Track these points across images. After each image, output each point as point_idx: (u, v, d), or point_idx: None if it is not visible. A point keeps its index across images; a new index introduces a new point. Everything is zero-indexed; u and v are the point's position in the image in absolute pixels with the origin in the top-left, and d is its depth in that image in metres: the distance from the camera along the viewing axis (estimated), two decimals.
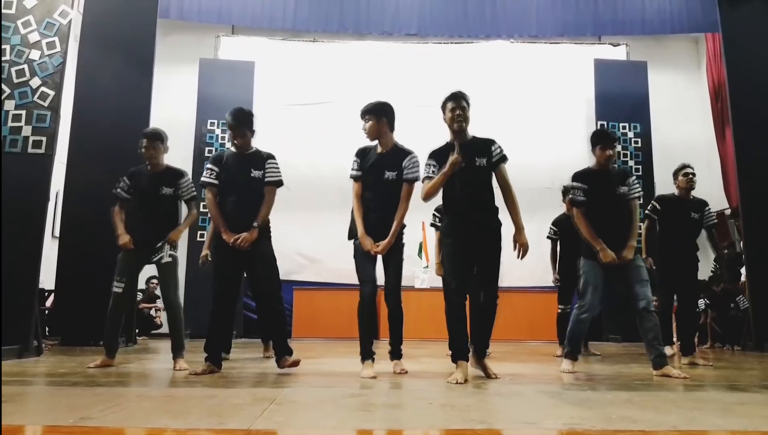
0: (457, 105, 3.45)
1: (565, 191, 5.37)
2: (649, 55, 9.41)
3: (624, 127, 9.09)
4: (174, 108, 8.91)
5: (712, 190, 9.27)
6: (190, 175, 4.25)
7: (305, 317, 8.32)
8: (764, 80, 7.02)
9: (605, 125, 9.11)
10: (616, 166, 4.19)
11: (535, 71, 9.54)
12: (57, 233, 6.76)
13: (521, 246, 3.42)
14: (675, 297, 4.91)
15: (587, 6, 8.20)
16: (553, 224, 6.26)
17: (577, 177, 3.93)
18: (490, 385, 3.08)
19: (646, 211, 5.19)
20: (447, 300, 3.34)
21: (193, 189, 4.04)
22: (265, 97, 9.27)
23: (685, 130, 9.62)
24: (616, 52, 9.53)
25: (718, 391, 2.95)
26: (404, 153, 3.66)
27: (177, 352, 3.73)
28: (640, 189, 3.96)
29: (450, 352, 3.33)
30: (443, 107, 3.53)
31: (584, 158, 9.21)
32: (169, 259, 3.83)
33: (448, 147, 3.47)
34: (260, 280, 3.57)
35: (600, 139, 3.90)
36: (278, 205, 9.29)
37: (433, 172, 3.45)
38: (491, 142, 3.51)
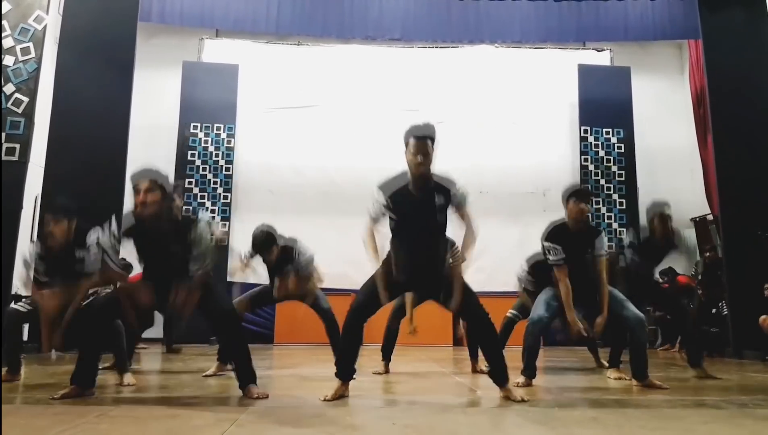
0: (420, 147, 3.06)
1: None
2: (633, 60, 9.46)
3: (607, 133, 9.14)
4: (157, 111, 8.86)
5: (694, 196, 9.35)
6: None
7: (287, 323, 8.28)
8: (744, 86, 7.10)
9: (589, 130, 9.17)
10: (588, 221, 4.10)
11: (520, 76, 9.55)
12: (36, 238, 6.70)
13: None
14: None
15: (570, 12, 8.22)
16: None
17: (550, 237, 3.79)
18: (457, 403, 3.07)
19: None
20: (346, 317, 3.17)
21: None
22: (249, 100, 9.23)
23: (668, 135, 9.67)
24: (600, 58, 9.57)
25: (686, 408, 2.96)
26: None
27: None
28: (605, 247, 3.90)
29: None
30: (406, 142, 3.14)
31: (567, 163, 9.33)
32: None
33: (405, 189, 3.14)
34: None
35: (574, 193, 3.81)
36: (261, 208, 9.36)
37: (383, 213, 3.17)
38: (452, 184, 3.20)
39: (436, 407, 2.85)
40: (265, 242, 4.45)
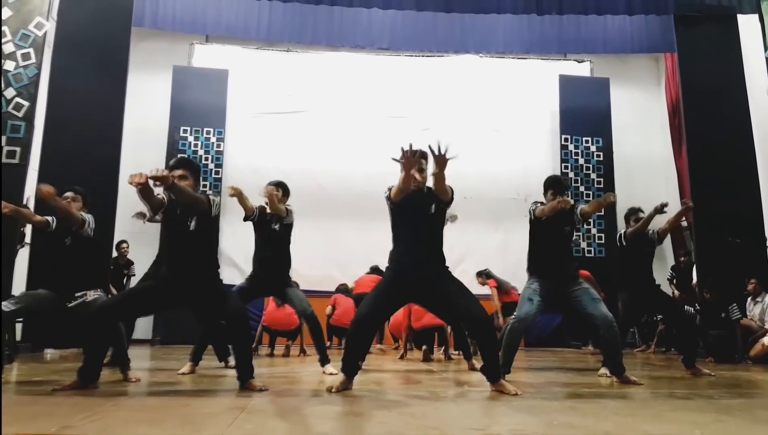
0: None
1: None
2: (612, 71, 9.79)
3: (587, 141, 9.45)
4: (147, 115, 8.94)
5: (670, 203, 9.65)
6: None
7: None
8: (716, 98, 7.44)
9: (569, 139, 9.47)
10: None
11: (502, 85, 9.84)
12: (28, 240, 6.77)
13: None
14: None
15: (552, 25, 8.53)
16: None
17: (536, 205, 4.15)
18: (448, 395, 3.29)
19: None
20: (350, 327, 3.39)
21: None
22: (239, 104, 9.38)
23: (644, 144, 10.03)
24: (580, 69, 9.88)
25: (657, 399, 3.21)
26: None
27: None
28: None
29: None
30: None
31: (548, 169, 9.58)
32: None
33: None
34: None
35: (551, 186, 4.15)
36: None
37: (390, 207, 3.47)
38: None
39: (428, 399, 3.06)
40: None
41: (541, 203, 4.13)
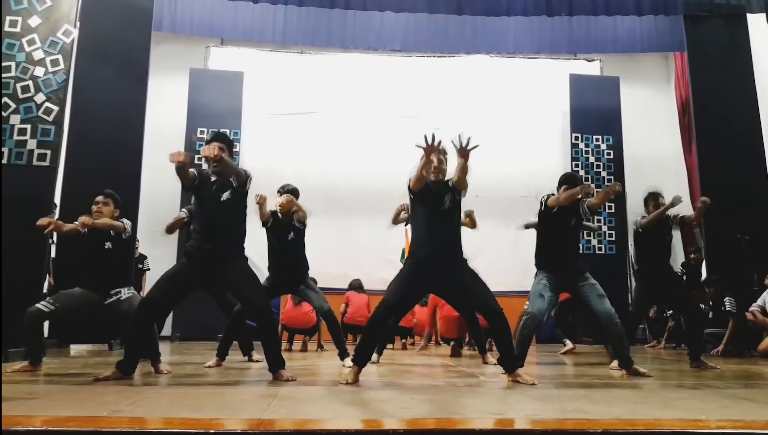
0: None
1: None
2: (622, 70, 9.88)
3: (597, 139, 9.55)
4: (165, 117, 9.14)
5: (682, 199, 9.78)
6: None
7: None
8: (725, 96, 7.52)
9: (579, 137, 9.57)
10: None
11: (513, 84, 9.98)
12: (54, 239, 6.99)
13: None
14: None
15: (562, 26, 8.64)
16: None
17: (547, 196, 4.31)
18: (465, 385, 3.45)
19: None
20: (375, 312, 3.55)
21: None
22: (254, 106, 9.56)
23: (654, 142, 10.11)
24: (590, 68, 9.99)
25: (666, 389, 3.35)
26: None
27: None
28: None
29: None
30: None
31: (559, 168, 9.70)
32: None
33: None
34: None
35: (566, 182, 4.30)
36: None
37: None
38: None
39: (446, 388, 3.23)
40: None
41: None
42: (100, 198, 4.05)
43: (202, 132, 9.21)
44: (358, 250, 9.29)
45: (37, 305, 3.85)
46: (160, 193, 8.51)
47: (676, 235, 9.98)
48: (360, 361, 3.44)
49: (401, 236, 8.99)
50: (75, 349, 6.42)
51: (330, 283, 8.74)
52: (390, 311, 3.52)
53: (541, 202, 4.30)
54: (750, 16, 7.71)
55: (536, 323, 4.11)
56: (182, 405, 2.49)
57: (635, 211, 9.57)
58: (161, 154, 8.94)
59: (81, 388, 3.03)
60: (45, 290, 5.38)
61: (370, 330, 3.56)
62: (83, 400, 2.60)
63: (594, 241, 9.27)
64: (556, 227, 4.23)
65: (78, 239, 4.01)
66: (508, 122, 9.90)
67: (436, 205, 3.59)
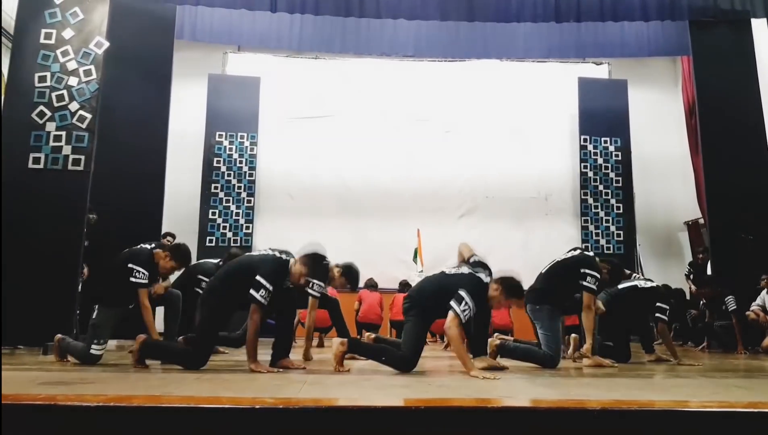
0: None
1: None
2: (630, 73, 10.08)
3: (605, 142, 9.74)
4: (184, 121, 9.44)
5: (687, 201, 9.99)
6: None
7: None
8: (730, 99, 7.69)
9: (588, 139, 9.77)
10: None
11: (523, 88, 10.22)
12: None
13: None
14: None
15: (570, 31, 8.86)
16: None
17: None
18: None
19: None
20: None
21: None
22: (270, 110, 9.87)
23: (662, 144, 10.30)
24: (598, 71, 10.20)
25: (665, 379, 3.59)
26: None
27: None
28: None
29: None
30: None
31: (568, 169, 9.97)
32: None
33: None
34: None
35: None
36: (281, 211, 10.04)
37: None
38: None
39: (459, 376, 3.48)
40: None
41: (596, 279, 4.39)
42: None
43: (220, 136, 9.51)
44: (371, 250, 9.54)
45: (92, 352, 3.93)
46: (180, 195, 8.84)
47: (684, 237, 10.25)
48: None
49: (413, 236, 9.29)
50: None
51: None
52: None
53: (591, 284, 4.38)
54: (754, 21, 7.89)
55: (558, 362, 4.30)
56: (223, 388, 2.76)
57: (643, 211, 9.83)
58: (181, 158, 9.35)
59: (126, 375, 3.32)
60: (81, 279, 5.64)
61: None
62: (133, 384, 2.88)
63: (602, 241, 9.47)
64: None
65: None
66: (518, 125, 10.13)
67: None
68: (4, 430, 1.93)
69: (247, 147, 9.59)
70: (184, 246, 4.25)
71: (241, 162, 9.54)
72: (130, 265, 4.03)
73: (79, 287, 5.47)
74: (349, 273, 4.67)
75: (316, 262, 3.82)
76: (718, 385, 3.20)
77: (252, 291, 3.54)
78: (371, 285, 8.11)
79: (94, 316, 4.05)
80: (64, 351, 4.10)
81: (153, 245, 4.19)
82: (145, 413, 2.06)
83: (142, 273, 4.02)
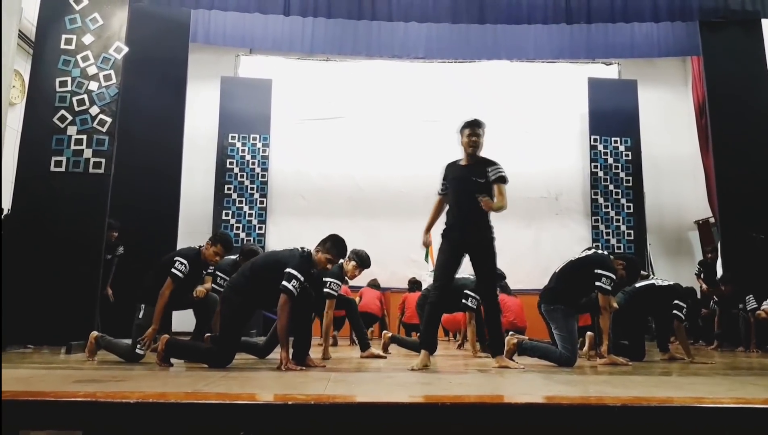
0: (472, 132, 4.18)
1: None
2: (640, 73, 10.12)
3: (615, 142, 9.78)
4: (198, 122, 9.55)
5: (697, 200, 10.01)
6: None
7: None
8: (741, 99, 7.71)
9: (598, 139, 9.81)
10: None
11: (533, 88, 10.28)
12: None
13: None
14: None
15: (580, 32, 8.91)
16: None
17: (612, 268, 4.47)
18: (494, 372, 3.78)
19: None
20: (430, 295, 4.07)
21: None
22: (282, 112, 9.97)
23: (672, 144, 10.33)
24: (608, 71, 10.24)
25: (681, 377, 3.66)
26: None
27: None
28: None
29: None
30: (461, 132, 4.22)
31: (578, 169, 10.02)
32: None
33: (457, 163, 4.25)
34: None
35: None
36: (293, 212, 10.11)
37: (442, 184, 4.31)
38: (491, 163, 4.15)
39: (476, 374, 3.56)
40: None
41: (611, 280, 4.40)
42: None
43: (233, 137, 9.62)
44: (382, 250, 9.57)
45: (137, 351, 4.07)
46: (194, 196, 8.96)
47: (694, 236, 10.27)
48: (429, 346, 3.93)
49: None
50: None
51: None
52: (442, 292, 3.98)
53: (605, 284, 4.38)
54: (765, 21, 7.91)
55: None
56: (251, 385, 2.86)
57: (653, 210, 9.86)
58: (195, 158, 9.46)
59: (154, 373, 3.41)
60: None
61: (430, 314, 3.97)
62: (164, 382, 2.98)
63: (613, 241, 9.51)
64: None
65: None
66: (529, 125, 10.19)
67: (463, 185, 4.07)
68: (53, 425, 2.03)
69: (259, 148, 9.69)
70: (223, 232, 4.44)
71: (253, 163, 9.65)
72: (175, 258, 4.17)
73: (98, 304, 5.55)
74: (357, 256, 4.92)
75: (335, 242, 4.03)
76: (734, 382, 3.27)
77: (284, 282, 3.65)
78: (374, 285, 8.22)
79: (139, 316, 4.16)
80: (97, 349, 4.20)
81: (201, 246, 4.33)
82: (183, 410, 2.14)
83: (185, 265, 4.15)
